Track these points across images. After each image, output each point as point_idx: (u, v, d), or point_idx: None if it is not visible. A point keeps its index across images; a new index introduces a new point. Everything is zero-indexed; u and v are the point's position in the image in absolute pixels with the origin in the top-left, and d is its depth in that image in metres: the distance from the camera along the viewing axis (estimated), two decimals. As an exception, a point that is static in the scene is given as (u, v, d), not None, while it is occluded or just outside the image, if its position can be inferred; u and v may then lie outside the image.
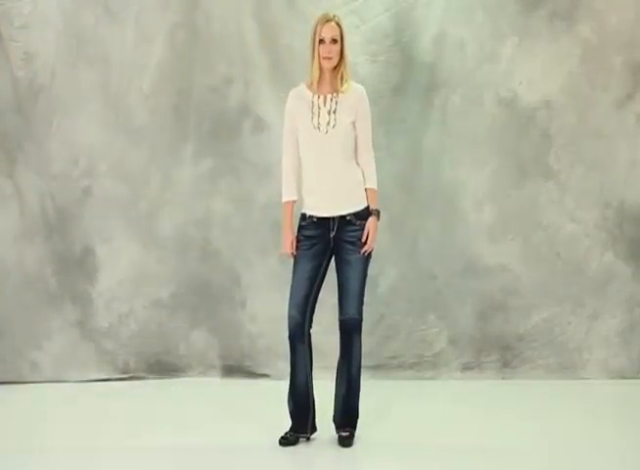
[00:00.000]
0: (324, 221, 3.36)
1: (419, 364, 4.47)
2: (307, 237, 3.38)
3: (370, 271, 4.37)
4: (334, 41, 3.28)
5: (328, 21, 3.29)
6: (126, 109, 4.40)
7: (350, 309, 3.35)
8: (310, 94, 3.36)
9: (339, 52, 3.29)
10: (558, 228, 4.44)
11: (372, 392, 4.17)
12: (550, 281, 4.44)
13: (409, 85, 4.38)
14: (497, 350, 4.46)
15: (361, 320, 3.37)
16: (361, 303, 3.37)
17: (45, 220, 4.44)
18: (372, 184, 3.40)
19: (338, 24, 3.29)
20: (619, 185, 4.44)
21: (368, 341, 4.38)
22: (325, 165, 3.35)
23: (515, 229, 4.45)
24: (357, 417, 3.46)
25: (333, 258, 3.41)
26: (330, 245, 3.38)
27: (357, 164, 3.39)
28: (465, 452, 3.39)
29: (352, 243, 3.35)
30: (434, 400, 4.12)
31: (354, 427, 3.45)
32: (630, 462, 3.30)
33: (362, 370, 4.36)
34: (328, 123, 3.31)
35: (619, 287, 4.44)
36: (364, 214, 3.37)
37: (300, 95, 3.39)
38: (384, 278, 4.44)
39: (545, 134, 4.42)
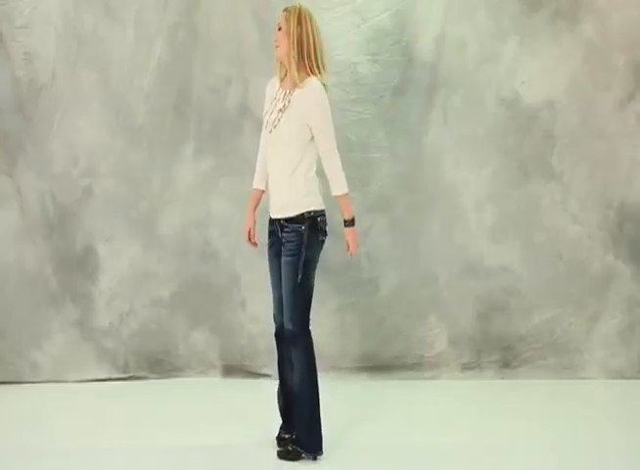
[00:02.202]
0: (273, 220, 3.33)
1: (420, 365, 4.46)
2: (269, 234, 3.36)
3: (371, 273, 4.42)
4: (279, 29, 3.22)
5: (283, 10, 3.24)
6: (126, 108, 4.39)
7: (285, 319, 3.26)
8: (278, 86, 3.30)
9: (283, 40, 3.19)
10: (560, 229, 4.43)
11: (373, 392, 4.21)
12: (552, 282, 4.44)
13: (410, 85, 4.37)
14: (498, 350, 4.46)
15: (297, 333, 3.22)
16: (295, 312, 3.21)
17: (46, 220, 4.43)
18: (336, 191, 3.25)
19: (289, 13, 3.20)
20: (621, 185, 4.43)
21: (370, 342, 4.45)
22: (271, 164, 3.31)
23: (516, 230, 4.44)
24: (306, 442, 3.28)
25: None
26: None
27: (308, 170, 3.23)
28: (465, 452, 3.41)
29: (284, 245, 3.26)
30: (435, 401, 4.12)
31: (298, 445, 3.31)
32: (631, 462, 3.31)
33: (363, 370, 4.42)
34: (273, 122, 3.24)
35: (620, 287, 4.43)
36: (298, 219, 3.22)
37: (272, 85, 3.34)
38: (385, 279, 4.44)
39: (548, 135, 4.41)
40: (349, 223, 3.29)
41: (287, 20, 3.20)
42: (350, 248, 3.31)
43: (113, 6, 4.34)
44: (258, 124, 4.23)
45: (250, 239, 3.45)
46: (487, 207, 4.44)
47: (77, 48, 4.35)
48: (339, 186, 3.25)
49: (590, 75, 4.38)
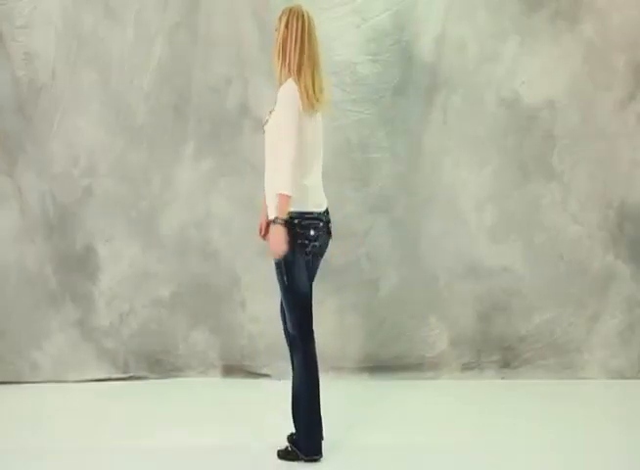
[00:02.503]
0: None
1: (420, 365, 4.46)
2: None
3: (372, 274, 4.42)
4: (276, 30, 3.23)
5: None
6: (126, 108, 4.39)
7: (287, 321, 3.28)
8: None
9: (274, 42, 3.20)
10: (560, 229, 4.43)
11: (373, 392, 4.21)
12: (552, 282, 4.44)
13: (410, 85, 4.37)
14: (498, 350, 4.46)
15: (296, 336, 3.22)
16: (292, 315, 3.21)
17: (46, 220, 4.44)
18: (277, 189, 3.08)
19: (282, 14, 3.20)
20: (621, 185, 4.43)
21: (370, 342, 4.45)
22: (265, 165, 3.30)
23: (516, 230, 4.44)
24: (304, 445, 3.27)
25: None
26: None
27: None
28: (465, 452, 3.40)
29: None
30: (435, 401, 4.12)
31: (296, 447, 3.31)
32: (631, 462, 3.31)
33: (363, 371, 4.41)
34: (264, 124, 3.26)
35: (620, 287, 4.43)
36: (275, 221, 3.13)
37: None
38: (385, 280, 4.44)
39: (548, 135, 4.41)
40: (276, 221, 3.06)
41: (279, 20, 3.21)
42: (271, 247, 3.07)
43: (113, 6, 4.34)
44: (258, 124, 4.25)
45: (260, 233, 3.46)
46: (487, 207, 4.44)
47: (77, 48, 4.35)
48: (279, 185, 3.07)
49: (590, 75, 4.38)
